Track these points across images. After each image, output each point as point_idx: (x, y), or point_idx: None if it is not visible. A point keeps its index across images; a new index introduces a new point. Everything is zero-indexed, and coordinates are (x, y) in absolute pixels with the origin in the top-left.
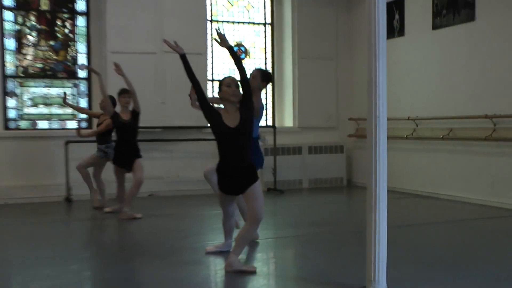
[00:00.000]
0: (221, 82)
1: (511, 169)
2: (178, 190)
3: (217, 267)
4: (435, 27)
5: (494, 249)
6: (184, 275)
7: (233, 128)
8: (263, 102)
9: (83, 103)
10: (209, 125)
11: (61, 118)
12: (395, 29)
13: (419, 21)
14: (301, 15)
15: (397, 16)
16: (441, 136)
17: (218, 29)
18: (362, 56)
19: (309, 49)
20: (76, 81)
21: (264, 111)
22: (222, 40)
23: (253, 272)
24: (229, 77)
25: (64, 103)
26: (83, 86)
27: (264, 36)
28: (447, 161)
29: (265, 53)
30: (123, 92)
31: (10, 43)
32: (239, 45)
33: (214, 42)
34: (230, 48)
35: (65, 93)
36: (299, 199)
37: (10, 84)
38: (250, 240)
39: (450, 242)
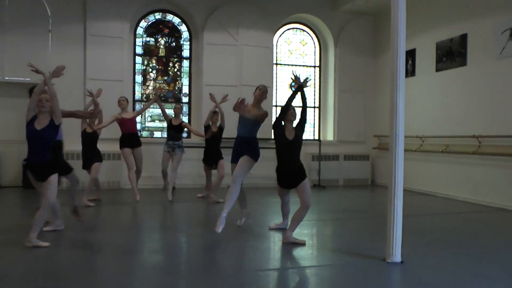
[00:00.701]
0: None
1: (490, 176)
2: (249, 183)
3: (276, 239)
4: (437, 70)
5: (477, 234)
6: (253, 243)
7: (291, 140)
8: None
9: (185, 119)
10: (273, 136)
11: None
12: (408, 71)
13: (426, 65)
14: (341, 61)
15: (410, 62)
16: (440, 150)
17: (295, 72)
18: (383, 91)
19: (346, 85)
20: (181, 104)
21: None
22: (297, 80)
23: (303, 244)
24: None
25: (155, 98)
26: (185, 108)
27: (314, 75)
28: (444, 169)
29: (314, 87)
30: (214, 113)
31: (138, 78)
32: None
33: (279, 79)
34: (301, 86)
35: (155, 93)
36: (336, 193)
37: (137, 106)
38: (300, 221)
39: (446, 228)
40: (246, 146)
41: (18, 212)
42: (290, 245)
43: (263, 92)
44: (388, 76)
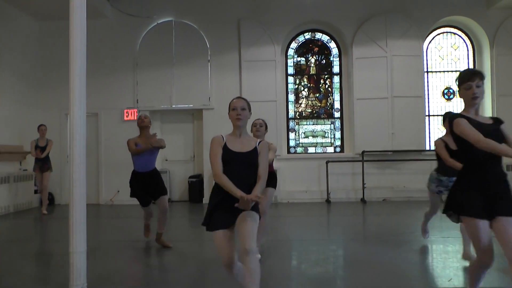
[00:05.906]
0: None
1: None
2: (404, 197)
3: (443, 254)
4: None
5: None
6: (416, 260)
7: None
8: None
9: (338, 135)
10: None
11: (323, 145)
12: None
13: None
14: (499, 62)
15: None
16: None
17: None
18: None
19: (505, 88)
20: (333, 120)
21: None
22: None
23: None
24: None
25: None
26: (337, 123)
27: None
28: None
29: None
30: None
31: (291, 97)
32: (448, 88)
33: (431, 87)
34: None
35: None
36: None
37: (291, 123)
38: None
39: None
40: None
41: (186, 224)
42: (463, 262)
43: None
44: None
